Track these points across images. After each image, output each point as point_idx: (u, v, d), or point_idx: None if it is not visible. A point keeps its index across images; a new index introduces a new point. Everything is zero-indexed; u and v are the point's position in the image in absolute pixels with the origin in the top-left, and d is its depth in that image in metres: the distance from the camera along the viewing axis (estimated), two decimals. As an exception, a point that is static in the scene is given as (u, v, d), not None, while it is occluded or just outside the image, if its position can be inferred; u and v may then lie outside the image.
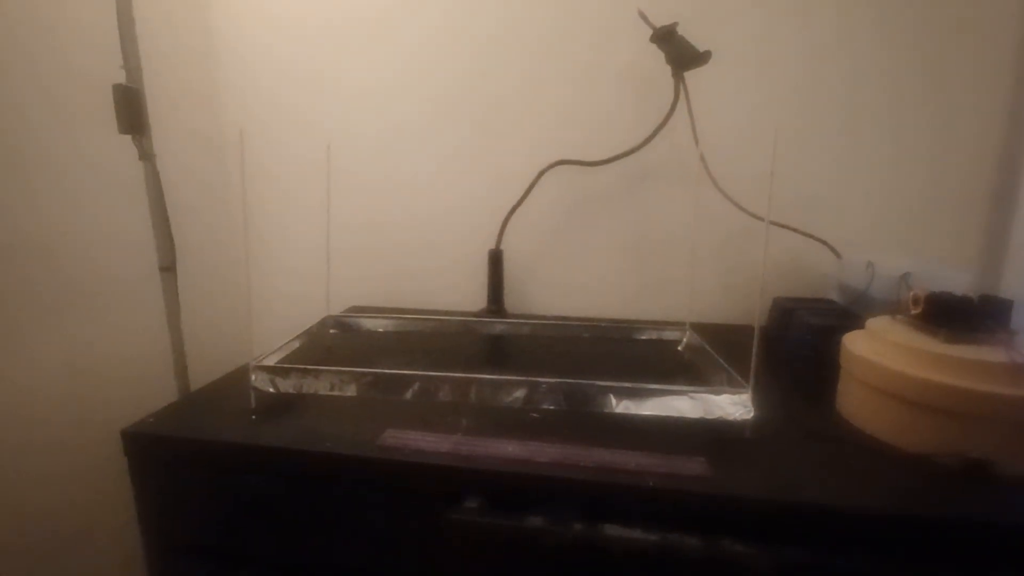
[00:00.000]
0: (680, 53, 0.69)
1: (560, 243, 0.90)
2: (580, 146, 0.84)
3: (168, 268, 0.74)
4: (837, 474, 0.44)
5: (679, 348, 0.69)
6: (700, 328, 0.69)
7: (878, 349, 0.49)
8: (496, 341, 0.77)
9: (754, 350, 0.46)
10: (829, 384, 0.56)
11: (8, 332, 0.61)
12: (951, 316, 0.48)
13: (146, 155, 0.70)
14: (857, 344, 0.52)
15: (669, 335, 0.71)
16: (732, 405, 0.47)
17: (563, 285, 0.92)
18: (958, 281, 0.59)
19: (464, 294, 0.93)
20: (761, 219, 0.77)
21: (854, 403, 0.51)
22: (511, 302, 0.91)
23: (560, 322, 0.77)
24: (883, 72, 0.77)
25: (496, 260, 0.87)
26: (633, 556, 0.40)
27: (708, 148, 0.75)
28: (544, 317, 0.86)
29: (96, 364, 0.71)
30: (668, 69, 0.74)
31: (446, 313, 0.88)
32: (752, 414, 0.46)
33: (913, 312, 0.51)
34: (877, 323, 0.53)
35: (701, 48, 0.69)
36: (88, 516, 0.69)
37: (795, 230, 0.78)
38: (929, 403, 0.44)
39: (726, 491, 0.41)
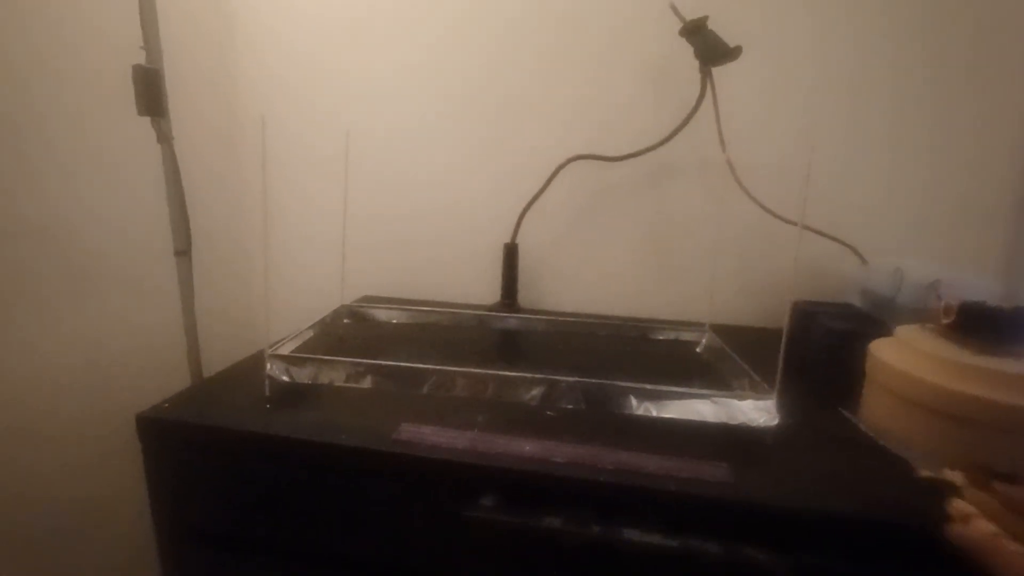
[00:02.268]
0: (710, 47, 0.67)
1: (576, 239, 0.89)
2: (599, 140, 0.83)
3: (183, 253, 0.74)
4: (862, 483, 0.43)
5: (697, 349, 0.68)
6: (717, 329, 0.68)
7: (907, 358, 0.48)
8: (510, 336, 0.76)
9: (781, 355, 0.45)
10: (850, 391, 0.55)
11: (24, 313, 0.61)
12: (985, 327, 0.47)
13: (164, 138, 0.70)
14: (885, 352, 0.50)
15: (687, 336, 0.70)
16: (756, 411, 0.46)
17: (578, 281, 0.91)
18: (989, 290, 0.57)
19: (477, 287, 0.92)
20: (791, 223, 0.75)
21: (879, 412, 0.50)
22: (525, 297, 0.90)
23: (576, 319, 0.76)
24: (915, 74, 0.75)
25: (511, 254, 0.86)
26: (653, 561, 0.39)
27: (731, 146, 0.73)
28: (559, 313, 0.85)
29: (111, 346, 0.71)
30: (691, 63, 0.72)
31: (459, 306, 0.87)
32: (776, 420, 0.45)
33: (945, 321, 0.50)
34: (906, 331, 0.52)
35: (731, 43, 0.67)
36: (101, 499, 0.70)
37: (823, 234, 0.76)
38: (959, 415, 0.43)
39: (749, 498, 0.40)
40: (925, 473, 0.41)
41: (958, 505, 0.35)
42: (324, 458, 0.46)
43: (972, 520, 0.34)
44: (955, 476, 0.38)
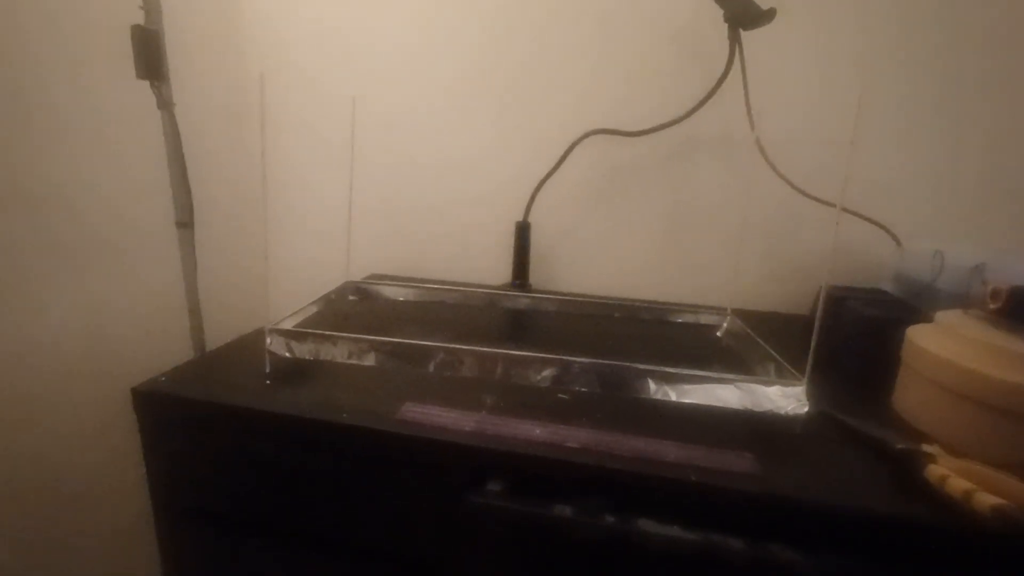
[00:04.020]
0: (741, 9, 0.62)
1: (592, 218, 0.86)
2: (619, 114, 0.79)
3: (185, 224, 0.71)
4: (898, 479, 0.40)
5: (718, 334, 0.65)
6: (739, 314, 0.64)
7: (950, 346, 0.44)
8: (521, 316, 0.73)
9: (813, 340, 0.42)
10: (884, 380, 0.51)
11: (24, 284, 0.59)
12: (1038, 313, 0.43)
13: (164, 103, 0.67)
14: (925, 339, 0.47)
15: (707, 319, 0.67)
16: (784, 398, 0.43)
17: (593, 262, 0.87)
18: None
19: (488, 266, 0.90)
20: (827, 203, 0.71)
21: (917, 402, 0.47)
22: (537, 277, 0.87)
23: (590, 300, 0.73)
24: (954, 45, 0.70)
25: (523, 232, 0.83)
26: (670, 555, 0.37)
27: (759, 121, 0.69)
28: (572, 294, 0.82)
29: (112, 320, 0.70)
30: (720, 30, 0.68)
31: (469, 285, 0.85)
32: (807, 408, 0.42)
33: (991, 307, 0.46)
34: (948, 317, 0.48)
35: (764, 5, 0.63)
36: (99, 474, 0.69)
37: (858, 215, 0.72)
38: (1009, 407, 0.40)
39: (776, 491, 0.37)
40: (902, 445, 0.41)
41: (933, 469, 0.37)
42: (323, 437, 0.44)
43: (947, 480, 0.35)
44: (931, 447, 0.40)
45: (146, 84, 0.66)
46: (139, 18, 0.64)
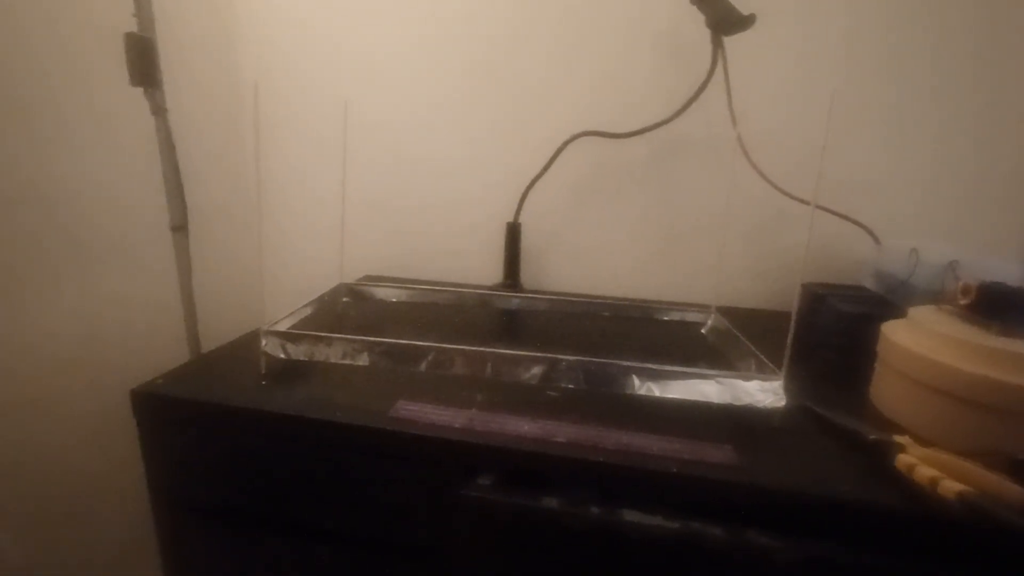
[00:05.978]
0: (721, 15, 0.64)
1: (582, 218, 0.87)
2: (608, 117, 0.80)
3: (180, 228, 0.72)
4: (870, 469, 0.41)
5: (702, 331, 0.67)
6: (725, 311, 0.66)
7: (922, 340, 0.46)
8: (512, 316, 0.75)
9: (790, 336, 0.44)
10: (861, 375, 0.53)
11: (20, 287, 0.60)
12: (1005, 308, 0.45)
13: (158, 109, 0.68)
14: (898, 334, 0.49)
15: (692, 317, 0.69)
16: (762, 392, 0.45)
17: (583, 262, 0.89)
18: (1009, 272, 0.55)
19: (479, 267, 0.91)
20: (803, 202, 0.73)
21: (890, 396, 0.49)
22: (528, 277, 0.88)
23: (579, 299, 0.74)
24: (932, 47, 0.72)
25: (514, 233, 0.84)
26: (653, 543, 0.38)
27: (742, 121, 0.71)
28: (562, 293, 0.84)
29: (108, 322, 0.70)
30: (705, 35, 0.69)
31: (460, 285, 0.86)
32: (784, 402, 0.44)
33: (962, 302, 0.48)
34: (921, 313, 0.50)
35: (745, 11, 0.64)
36: (99, 473, 0.69)
37: (837, 214, 0.74)
38: (977, 399, 0.41)
39: (754, 481, 0.39)
40: (874, 436, 0.43)
41: (903, 459, 0.39)
42: (319, 435, 0.46)
43: (915, 469, 0.38)
44: (902, 438, 0.41)
45: (140, 90, 0.66)
46: (132, 26, 0.65)
